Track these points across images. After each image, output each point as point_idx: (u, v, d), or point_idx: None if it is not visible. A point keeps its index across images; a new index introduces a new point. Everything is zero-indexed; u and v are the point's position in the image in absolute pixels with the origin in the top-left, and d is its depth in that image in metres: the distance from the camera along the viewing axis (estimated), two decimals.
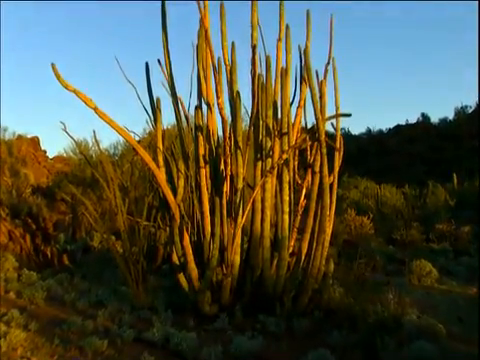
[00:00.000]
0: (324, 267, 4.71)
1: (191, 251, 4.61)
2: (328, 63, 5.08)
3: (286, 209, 4.53)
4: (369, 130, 25.78)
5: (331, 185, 4.79)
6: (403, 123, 26.26)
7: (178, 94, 4.94)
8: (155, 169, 4.51)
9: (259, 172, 4.63)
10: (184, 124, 4.96)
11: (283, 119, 4.55)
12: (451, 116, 25.50)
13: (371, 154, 24.51)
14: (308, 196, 4.77)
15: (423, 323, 3.91)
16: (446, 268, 7.32)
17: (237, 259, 4.56)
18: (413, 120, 26.09)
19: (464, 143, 23.63)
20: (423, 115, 25.60)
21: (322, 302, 4.61)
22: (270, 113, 4.52)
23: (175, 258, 4.74)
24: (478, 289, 5.89)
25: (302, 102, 5.03)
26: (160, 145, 4.75)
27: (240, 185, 4.54)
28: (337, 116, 4.00)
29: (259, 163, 4.62)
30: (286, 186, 4.53)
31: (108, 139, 22.98)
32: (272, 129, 4.51)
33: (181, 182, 4.63)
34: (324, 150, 4.12)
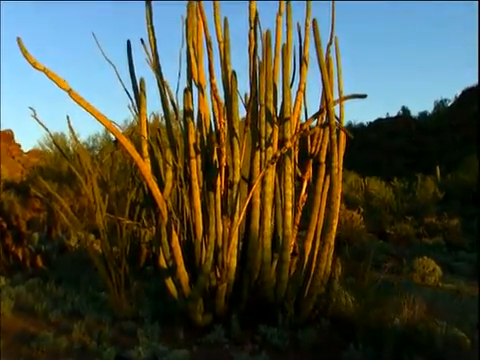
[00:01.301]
0: (330, 269, 4.14)
1: (181, 253, 3.98)
2: (330, 43, 4.49)
3: (289, 204, 3.93)
4: (350, 124, 25.48)
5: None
6: (384, 117, 26.01)
7: (164, 75, 4.29)
8: (139, 160, 3.85)
9: (258, 163, 4.02)
10: (171, 109, 4.30)
11: (285, 103, 3.94)
12: (431, 110, 25.36)
13: (353, 148, 24.19)
14: (312, 190, 4.19)
15: (449, 335, 3.36)
16: (446, 264, 6.87)
17: (233, 262, 3.94)
18: (394, 114, 25.88)
19: (444, 136, 23.46)
20: (403, 109, 25.38)
21: (328, 309, 4.04)
22: (270, 96, 3.90)
23: (162, 261, 4.10)
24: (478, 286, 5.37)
25: (302, 85, 4.41)
26: (144, 132, 4.09)
27: (237, 178, 3.92)
28: (350, 97, 3.41)
29: (258, 153, 4.01)
30: (289, 178, 3.93)
31: (87, 133, 22.07)
32: (273, 114, 3.90)
33: (169, 175, 3.98)
34: (334, 136, 3.52)
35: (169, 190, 4.01)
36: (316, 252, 4.23)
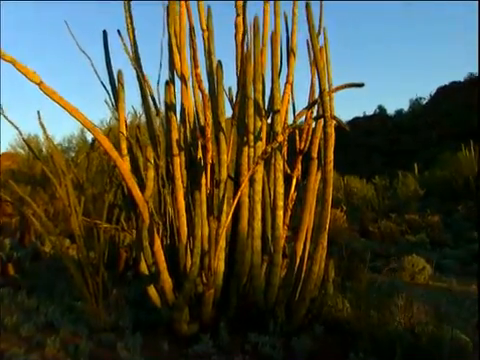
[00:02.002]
0: (323, 271, 3.87)
1: (164, 258, 3.65)
2: (319, 33, 4.22)
3: (280, 203, 3.65)
4: None
5: None
6: (361, 115, 26.01)
7: (145, 68, 3.95)
8: (117, 158, 3.50)
9: (246, 160, 3.71)
10: (152, 103, 3.95)
11: (275, 94, 3.65)
12: (406, 108, 25.47)
13: None
14: (304, 187, 3.91)
15: (454, 339, 3.12)
16: (433, 262, 6.68)
17: (221, 266, 3.63)
18: (370, 112, 25.90)
19: (420, 134, 23.58)
20: (380, 107, 25.43)
21: (322, 314, 3.77)
22: (260, 87, 3.61)
23: (143, 267, 3.76)
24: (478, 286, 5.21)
25: (291, 77, 4.13)
26: (123, 129, 3.75)
27: (224, 175, 3.61)
28: (346, 86, 3.14)
29: (245, 149, 3.71)
30: (280, 176, 3.64)
31: (62, 134, 21.35)
32: (262, 107, 3.60)
33: (150, 174, 3.65)
34: (330, 130, 3.25)
35: (150, 190, 3.67)
36: (306, 254, 3.98)
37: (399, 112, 25.53)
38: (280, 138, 3.36)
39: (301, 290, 3.74)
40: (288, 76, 4.08)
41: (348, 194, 12.48)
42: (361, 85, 3.05)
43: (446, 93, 23.24)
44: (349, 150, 23.74)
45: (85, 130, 11.76)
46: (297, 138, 4.04)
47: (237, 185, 3.76)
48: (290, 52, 4.13)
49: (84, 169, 4.92)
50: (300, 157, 4.17)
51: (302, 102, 4.28)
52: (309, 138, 3.86)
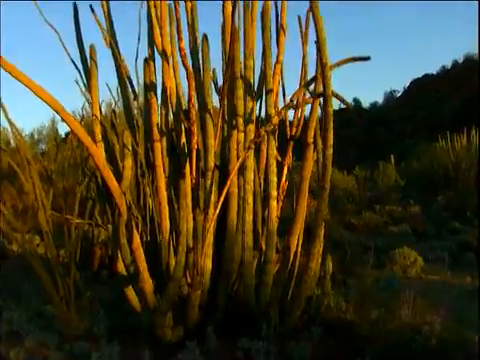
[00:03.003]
0: (320, 267, 3.51)
1: (144, 256, 3.21)
2: (310, 9, 3.82)
3: (274, 193, 3.26)
4: (304, 117, 25.16)
5: None
6: (336, 108, 25.88)
7: (120, 44, 3.48)
8: (90, 145, 3.03)
9: (235, 145, 3.30)
10: (128, 83, 3.49)
11: (267, 72, 3.24)
12: (381, 100, 25.44)
13: None
14: (300, 175, 3.52)
15: (469, 342, 2.79)
16: (421, 253, 6.42)
17: (208, 264, 3.22)
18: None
19: (394, 126, 23.57)
20: (355, 100, 25.31)
21: (319, 314, 3.41)
22: (251, 63, 3.20)
23: (121, 266, 3.31)
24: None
25: (281, 57, 3.72)
26: (97, 111, 3.28)
27: (211, 163, 3.19)
28: (350, 60, 2.76)
29: (234, 133, 3.29)
30: (273, 162, 3.25)
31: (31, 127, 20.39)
32: (252, 86, 3.19)
33: (128, 162, 3.20)
34: (330, 109, 2.86)
35: (128, 180, 3.23)
36: (299, 249, 3.62)
37: (374, 105, 25.48)
38: (275, 120, 2.96)
39: (296, 288, 3.37)
40: (278, 55, 3.67)
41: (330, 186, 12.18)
42: (367, 58, 2.68)
43: (419, 86, 23.26)
44: None
45: (56, 121, 11.12)
46: (287, 123, 3.64)
47: (224, 174, 3.35)
48: (280, 29, 3.73)
49: (53, 160, 4.40)
50: (291, 143, 3.78)
51: (291, 84, 3.90)
52: (301, 122, 3.46)
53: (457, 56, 25.55)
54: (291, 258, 3.51)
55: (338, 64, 2.84)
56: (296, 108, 3.24)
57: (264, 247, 3.30)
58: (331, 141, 3.00)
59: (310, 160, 3.47)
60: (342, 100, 2.87)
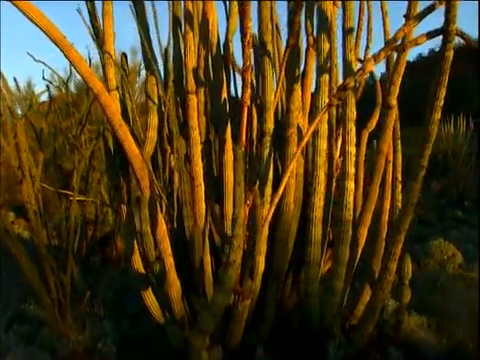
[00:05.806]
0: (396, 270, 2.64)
1: (170, 250, 2.28)
2: None
3: (351, 170, 2.34)
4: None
5: None
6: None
7: None
8: (102, 92, 2.03)
9: (297, 104, 2.36)
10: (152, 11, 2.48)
11: (347, 6, 2.29)
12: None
13: None
14: (375, 148, 2.63)
15: None
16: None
17: (261, 264, 2.30)
18: None
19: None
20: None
21: (399, 332, 2.55)
22: None
23: (138, 263, 2.37)
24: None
25: None
26: (111, 47, 2.28)
27: (269, 125, 2.25)
28: None
29: (297, 87, 2.35)
30: (353, 128, 2.33)
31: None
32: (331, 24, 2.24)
33: (153, 118, 2.23)
34: (450, 53, 1.95)
35: (153, 145, 2.27)
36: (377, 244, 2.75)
37: None
38: (369, 67, 2.03)
39: (368, 298, 2.51)
40: None
41: None
42: None
43: (408, 70, 22.56)
44: None
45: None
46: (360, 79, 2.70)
47: (281, 141, 2.42)
48: None
49: (44, 114, 3.35)
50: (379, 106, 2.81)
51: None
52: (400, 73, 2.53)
53: None
54: (359, 255, 2.64)
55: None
56: (402, 50, 2.31)
57: (336, 241, 2.41)
58: (442, 99, 2.09)
59: (390, 128, 2.58)
60: (467, 40, 1.96)
